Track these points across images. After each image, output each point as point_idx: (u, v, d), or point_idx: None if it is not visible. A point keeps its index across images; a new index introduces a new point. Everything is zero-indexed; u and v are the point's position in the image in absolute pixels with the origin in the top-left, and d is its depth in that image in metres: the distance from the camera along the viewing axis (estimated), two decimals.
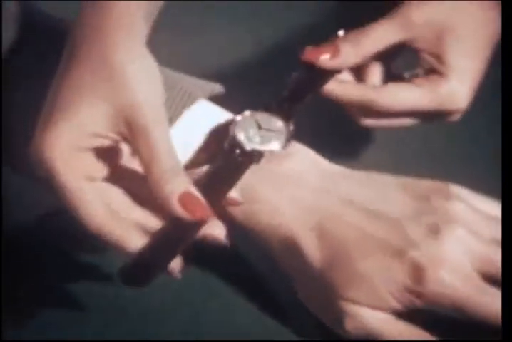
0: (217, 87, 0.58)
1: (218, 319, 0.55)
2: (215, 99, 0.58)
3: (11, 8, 0.57)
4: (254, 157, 0.52)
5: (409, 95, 0.57)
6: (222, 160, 0.52)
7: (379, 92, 0.57)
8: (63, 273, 0.57)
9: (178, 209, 0.46)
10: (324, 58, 0.55)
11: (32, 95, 0.52)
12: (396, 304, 0.50)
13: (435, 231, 0.50)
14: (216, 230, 0.50)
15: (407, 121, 0.59)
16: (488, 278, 0.49)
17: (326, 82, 0.56)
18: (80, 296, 0.56)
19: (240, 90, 0.63)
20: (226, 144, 0.52)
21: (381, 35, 0.57)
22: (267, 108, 0.54)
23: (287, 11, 0.73)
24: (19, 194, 0.61)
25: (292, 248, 0.52)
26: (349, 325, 0.51)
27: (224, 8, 0.73)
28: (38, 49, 0.57)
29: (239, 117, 0.53)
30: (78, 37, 0.49)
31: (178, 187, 0.47)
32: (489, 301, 0.49)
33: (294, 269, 0.53)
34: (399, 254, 0.50)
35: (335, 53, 0.56)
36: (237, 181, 0.52)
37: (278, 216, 0.53)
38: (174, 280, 0.56)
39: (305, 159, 0.56)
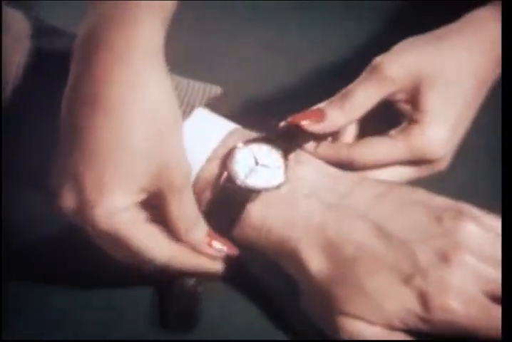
0: (214, 89, 0.57)
1: (218, 319, 0.55)
2: (214, 101, 0.58)
3: (15, 26, 0.57)
4: (250, 193, 0.53)
5: (382, 149, 0.57)
6: (219, 195, 0.53)
7: (352, 149, 0.57)
8: (63, 273, 0.57)
9: (211, 251, 0.52)
10: (311, 123, 0.56)
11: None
12: (399, 324, 0.50)
13: (444, 257, 0.50)
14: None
15: (397, 173, 0.58)
16: (497, 299, 0.50)
17: (313, 138, 0.57)
18: (80, 296, 0.56)
19: (239, 91, 0.63)
20: (222, 180, 0.53)
21: (365, 97, 0.56)
22: (266, 139, 0.55)
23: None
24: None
25: (297, 262, 0.52)
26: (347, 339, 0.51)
27: (225, 10, 0.73)
28: (49, 76, 0.56)
29: (236, 151, 0.54)
30: (100, 77, 0.49)
31: (202, 233, 0.52)
32: (498, 321, 0.49)
33: (299, 281, 0.53)
34: (407, 279, 0.50)
35: (321, 118, 0.56)
36: (237, 216, 0.53)
37: (288, 230, 0.53)
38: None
39: (316, 169, 0.55)
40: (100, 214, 0.49)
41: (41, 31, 0.58)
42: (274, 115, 0.62)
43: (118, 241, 0.50)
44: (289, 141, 0.56)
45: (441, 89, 0.57)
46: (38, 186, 0.55)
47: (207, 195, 0.54)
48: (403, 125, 0.57)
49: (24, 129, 0.56)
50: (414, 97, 0.57)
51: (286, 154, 0.55)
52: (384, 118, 0.59)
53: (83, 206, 0.49)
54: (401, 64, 0.57)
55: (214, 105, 0.57)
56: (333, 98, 0.57)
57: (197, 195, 0.54)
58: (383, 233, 0.51)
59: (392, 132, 0.57)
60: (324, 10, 0.72)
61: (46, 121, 0.54)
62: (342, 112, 0.56)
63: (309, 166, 0.55)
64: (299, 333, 0.54)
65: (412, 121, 0.57)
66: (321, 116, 0.56)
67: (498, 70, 0.59)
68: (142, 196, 0.50)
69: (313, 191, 0.54)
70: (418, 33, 0.59)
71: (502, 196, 0.53)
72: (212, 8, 0.71)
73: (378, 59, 0.57)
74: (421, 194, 0.54)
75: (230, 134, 0.55)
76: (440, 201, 0.53)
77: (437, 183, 0.59)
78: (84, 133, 0.49)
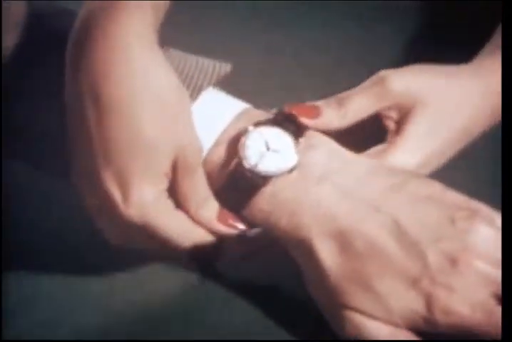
0: (224, 67, 0.56)
1: (218, 319, 0.55)
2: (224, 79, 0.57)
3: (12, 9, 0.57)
4: (261, 179, 0.52)
5: None
6: (228, 181, 0.53)
7: None
8: (63, 273, 0.57)
9: (223, 228, 0.52)
10: (306, 116, 0.56)
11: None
12: (403, 324, 0.50)
13: (453, 261, 0.50)
14: None
15: None
16: None
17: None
18: (80, 296, 0.56)
19: (239, 91, 0.62)
20: (232, 166, 0.53)
21: (361, 105, 0.57)
22: (276, 122, 0.54)
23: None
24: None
25: (307, 252, 0.52)
26: (352, 334, 0.51)
27: (225, 10, 0.73)
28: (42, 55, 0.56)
29: (246, 136, 0.53)
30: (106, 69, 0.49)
31: (213, 211, 0.52)
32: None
33: (307, 271, 0.53)
34: (414, 281, 0.50)
35: (316, 115, 0.56)
36: (247, 201, 0.52)
37: (296, 218, 0.52)
38: (173, 280, 0.56)
39: (329, 152, 0.54)
40: (131, 210, 0.50)
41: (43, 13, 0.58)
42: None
43: (147, 232, 0.51)
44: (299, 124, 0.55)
45: (431, 119, 0.56)
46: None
47: (215, 178, 0.53)
48: (382, 145, 0.57)
49: (24, 110, 0.56)
50: (402, 120, 0.57)
51: (296, 137, 0.54)
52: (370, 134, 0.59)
53: (110, 207, 0.50)
54: (404, 82, 0.57)
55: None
56: (330, 99, 0.57)
57: (206, 178, 0.53)
58: (396, 229, 0.51)
59: (370, 151, 0.57)
60: (324, 10, 0.73)
61: (46, 105, 0.54)
62: (337, 114, 0.56)
63: (321, 150, 0.54)
64: (298, 333, 0.55)
65: (390, 143, 0.57)
66: (316, 113, 0.56)
67: (490, 123, 0.59)
68: (167, 182, 0.51)
69: (325, 176, 0.53)
70: (418, 33, 0.59)
71: (502, 196, 0.53)
72: (212, 8, 0.71)
73: (385, 71, 0.57)
74: (437, 189, 0.53)
75: (239, 115, 0.55)
76: (455, 198, 0.53)
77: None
78: (94, 133, 0.50)
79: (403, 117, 0.57)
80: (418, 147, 0.56)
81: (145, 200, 0.50)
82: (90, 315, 0.55)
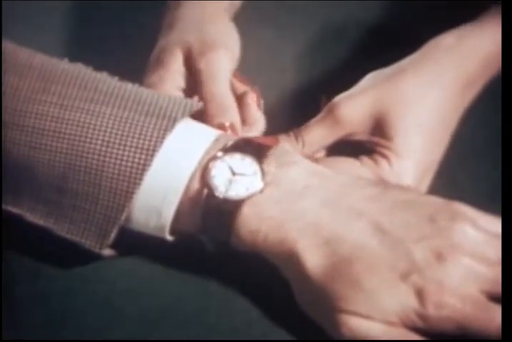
0: (195, 103, 0.57)
1: (218, 319, 0.55)
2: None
3: None
4: (234, 204, 0.53)
5: (350, 170, 0.58)
6: (205, 212, 0.53)
7: (321, 164, 0.58)
8: (63, 274, 0.57)
9: None
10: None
11: None
12: (397, 321, 0.50)
13: (439, 256, 0.50)
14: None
15: None
16: (495, 298, 0.50)
17: None
18: (80, 296, 0.56)
19: None
20: (204, 197, 0.53)
21: (317, 137, 0.60)
22: (238, 148, 0.55)
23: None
24: None
25: (295, 263, 0.52)
26: (348, 337, 0.51)
27: None
28: None
29: (210, 166, 0.53)
30: None
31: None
32: (495, 320, 0.49)
33: (296, 283, 0.53)
34: (404, 276, 0.50)
35: (275, 145, 0.58)
36: (229, 228, 0.53)
37: (283, 232, 0.53)
38: (173, 281, 0.56)
39: (307, 168, 0.55)
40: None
41: None
42: (273, 115, 0.62)
43: None
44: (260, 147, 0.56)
45: (406, 125, 0.58)
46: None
47: (197, 212, 0.53)
48: (374, 154, 0.58)
49: None
50: (380, 138, 0.58)
51: (259, 159, 0.54)
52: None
53: None
54: (356, 107, 0.58)
55: None
56: (291, 132, 0.60)
57: (187, 213, 0.54)
58: (379, 231, 0.52)
59: (363, 156, 0.58)
60: (324, 11, 0.73)
61: None
62: (294, 146, 0.60)
63: (298, 166, 0.55)
64: (298, 333, 0.55)
65: (381, 154, 0.58)
66: (275, 143, 0.59)
67: (470, 93, 0.60)
68: None
69: (307, 191, 0.54)
70: (416, 33, 0.59)
71: (502, 196, 0.53)
72: None
73: (335, 101, 0.59)
74: (416, 195, 0.54)
75: (212, 144, 0.55)
76: (434, 201, 0.53)
77: (437, 183, 0.59)
78: None
79: (379, 133, 0.58)
80: (412, 152, 0.58)
81: None
82: (91, 315, 0.56)
